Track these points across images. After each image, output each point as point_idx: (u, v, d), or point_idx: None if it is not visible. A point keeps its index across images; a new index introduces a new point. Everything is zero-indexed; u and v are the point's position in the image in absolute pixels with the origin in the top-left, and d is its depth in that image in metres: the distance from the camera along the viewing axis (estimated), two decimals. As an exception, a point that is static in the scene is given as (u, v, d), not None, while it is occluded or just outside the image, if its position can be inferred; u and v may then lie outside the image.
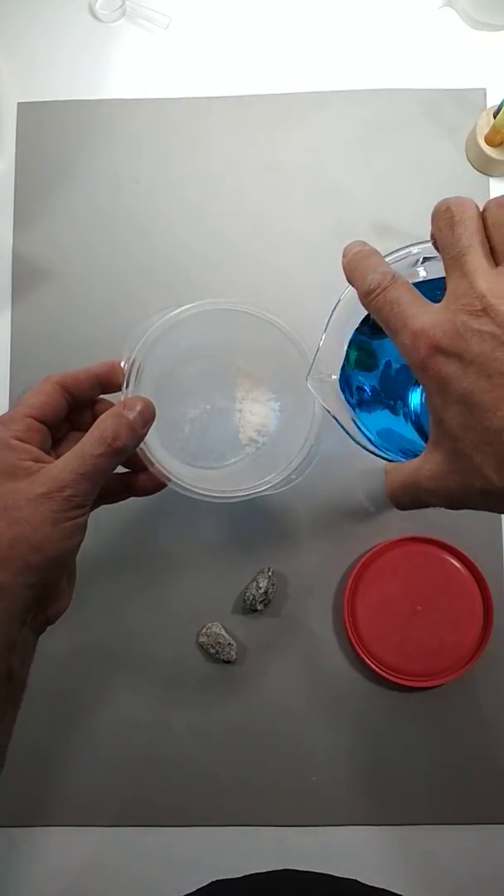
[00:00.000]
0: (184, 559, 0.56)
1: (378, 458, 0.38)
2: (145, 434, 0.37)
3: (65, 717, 0.55)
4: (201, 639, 0.54)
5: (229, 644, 0.54)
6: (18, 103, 0.62)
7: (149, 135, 0.61)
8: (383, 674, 0.53)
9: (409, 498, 0.31)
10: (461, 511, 0.59)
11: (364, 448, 0.38)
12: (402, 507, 0.32)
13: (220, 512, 0.57)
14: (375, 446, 0.38)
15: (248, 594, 0.54)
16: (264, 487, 0.44)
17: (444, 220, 0.29)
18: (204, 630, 0.55)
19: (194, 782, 0.54)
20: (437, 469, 0.29)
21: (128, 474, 0.41)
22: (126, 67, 0.62)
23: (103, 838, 0.54)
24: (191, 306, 0.44)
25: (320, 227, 0.60)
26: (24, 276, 0.60)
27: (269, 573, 0.55)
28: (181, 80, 0.62)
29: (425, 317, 0.28)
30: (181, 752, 0.54)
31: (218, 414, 0.53)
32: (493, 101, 0.59)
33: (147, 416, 0.37)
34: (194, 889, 0.47)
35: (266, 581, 0.54)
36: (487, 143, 0.57)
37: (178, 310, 0.44)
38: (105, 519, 0.56)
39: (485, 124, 0.57)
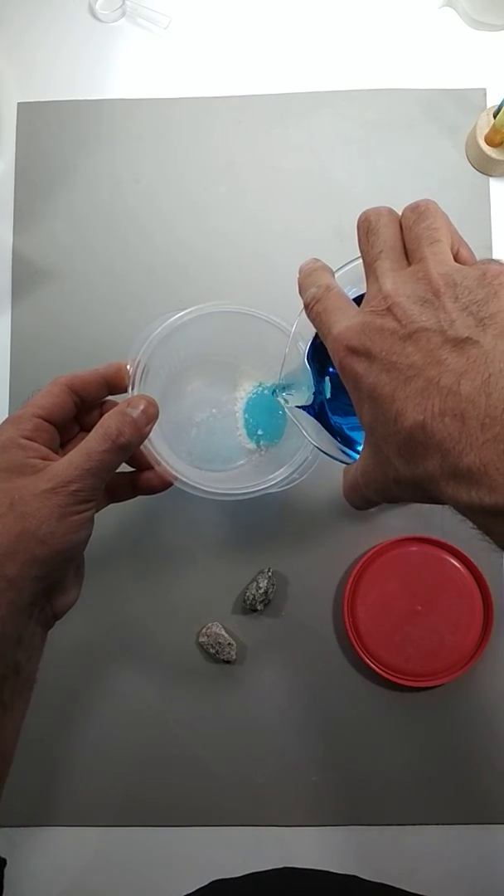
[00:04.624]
0: (184, 559, 0.56)
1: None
2: (149, 432, 0.37)
3: (65, 717, 0.55)
4: (201, 639, 0.55)
5: (229, 644, 0.54)
6: (18, 103, 0.62)
7: (149, 135, 0.61)
8: (383, 674, 0.53)
9: (356, 496, 0.33)
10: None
11: (320, 449, 0.39)
12: (355, 507, 0.34)
13: (221, 513, 0.57)
14: (341, 451, 0.39)
15: (248, 594, 0.54)
16: (267, 485, 0.45)
17: (362, 230, 0.31)
18: (204, 630, 0.55)
19: (194, 782, 0.54)
20: (364, 464, 0.30)
21: (134, 473, 0.42)
22: (126, 67, 0.62)
23: (103, 838, 0.54)
24: (194, 309, 0.44)
25: (320, 227, 0.60)
26: (24, 276, 0.60)
27: (269, 573, 0.55)
28: (181, 80, 0.62)
29: (344, 321, 0.30)
30: (181, 752, 0.54)
31: (223, 418, 0.53)
32: (493, 101, 0.59)
33: (150, 414, 0.37)
34: (194, 889, 0.47)
35: (266, 581, 0.54)
36: (487, 143, 0.57)
37: (182, 312, 0.44)
38: (105, 519, 0.56)
39: (485, 124, 0.57)
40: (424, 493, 0.27)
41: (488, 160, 0.58)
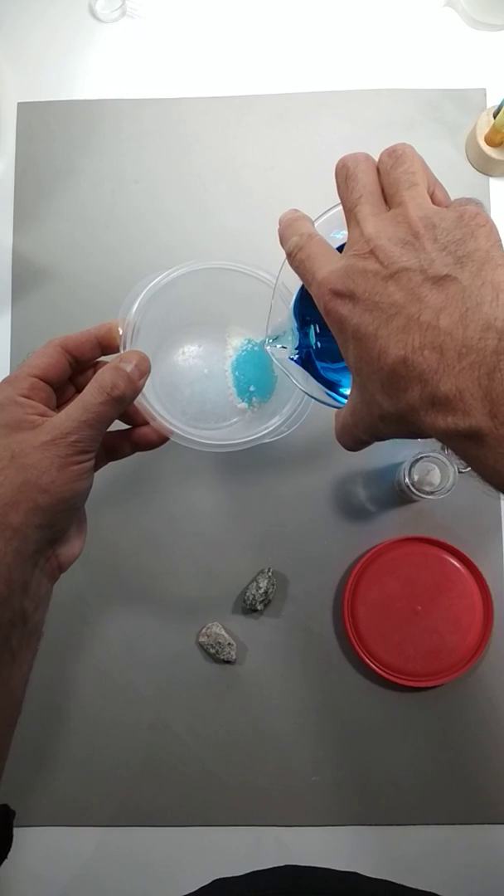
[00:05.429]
0: (184, 559, 0.56)
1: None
2: (142, 386, 0.38)
3: (65, 717, 0.55)
4: (201, 639, 0.55)
5: (229, 644, 0.54)
6: (18, 103, 0.62)
7: (149, 135, 0.61)
8: (383, 674, 0.53)
9: (347, 436, 0.34)
10: (461, 511, 0.59)
11: (311, 396, 0.40)
12: (347, 448, 0.35)
13: (221, 510, 0.57)
14: (329, 396, 0.39)
15: (248, 594, 0.54)
16: (260, 434, 0.46)
17: (340, 176, 0.32)
18: (204, 630, 0.55)
19: (194, 782, 0.54)
20: (352, 404, 0.31)
21: (131, 429, 0.43)
22: (126, 67, 0.62)
23: (103, 838, 0.54)
24: (180, 266, 0.45)
25: (320, 227, 0.60)
26: (24, 276, 0.60)
27: (269, 573, 0.55)
28: (181, 80, 0.62)
29: (328, 266, 0.30)
30: (181, 752, 0.54)
31: (216, 377, 0.54)
32: (493, 101, 0.59)
33: (143, 369, 0.38)
34: (194, 888, 0.47)
35: (266, 581, 0.54)
36: (487, 143, 0.57)
37: (168, 271, 0.45)
38: (105, 518, 0.56)
39: (485, 124, 0.57)
40: (407, 426, 0.28)
41: (488, 160, 0.58)
